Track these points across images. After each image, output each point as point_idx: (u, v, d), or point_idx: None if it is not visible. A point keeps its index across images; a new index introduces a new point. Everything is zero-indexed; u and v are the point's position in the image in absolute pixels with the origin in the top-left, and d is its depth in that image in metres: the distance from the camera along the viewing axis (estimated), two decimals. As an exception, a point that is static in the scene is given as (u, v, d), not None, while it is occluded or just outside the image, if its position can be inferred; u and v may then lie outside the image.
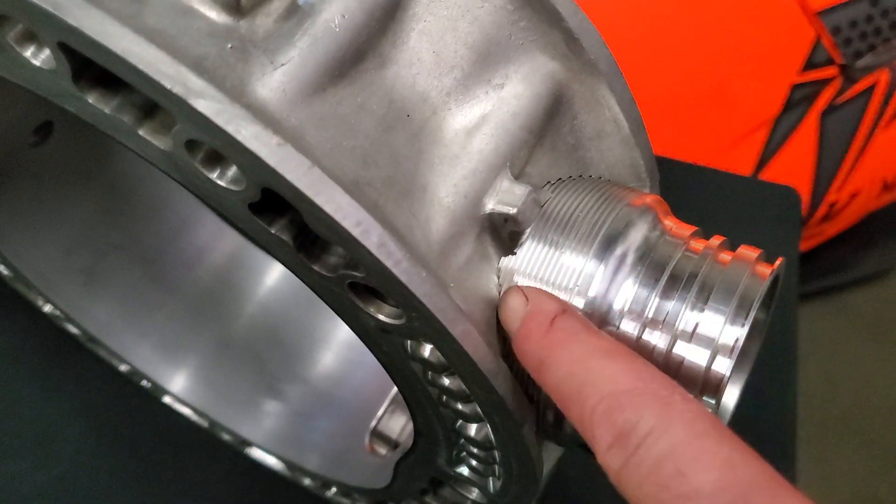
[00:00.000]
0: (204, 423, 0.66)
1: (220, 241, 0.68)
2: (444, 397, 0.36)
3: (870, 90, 1.31)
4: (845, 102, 1.30)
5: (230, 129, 0.26)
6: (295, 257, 0.31)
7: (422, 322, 0.30)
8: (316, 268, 0.31)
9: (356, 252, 0.28)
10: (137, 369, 0.64)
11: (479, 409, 0.35)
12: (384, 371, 0.66)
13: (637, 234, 0.34)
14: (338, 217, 0.27)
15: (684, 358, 0.33)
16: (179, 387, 0.65)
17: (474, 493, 0.44)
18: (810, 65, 1.24)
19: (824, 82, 1.26)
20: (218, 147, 0.27)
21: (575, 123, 0.36)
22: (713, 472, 0.26)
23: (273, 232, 0.30)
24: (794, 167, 1.28)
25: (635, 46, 1.09)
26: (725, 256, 0.35)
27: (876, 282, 1.63)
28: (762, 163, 1.25)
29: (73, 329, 0.64)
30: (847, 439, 1.45)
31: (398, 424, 0.61)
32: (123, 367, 0.65)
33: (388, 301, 0.32)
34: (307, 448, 0.62)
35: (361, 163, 0.30)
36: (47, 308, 0.63)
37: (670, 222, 0.36)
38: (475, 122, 0.33)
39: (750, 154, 1.24)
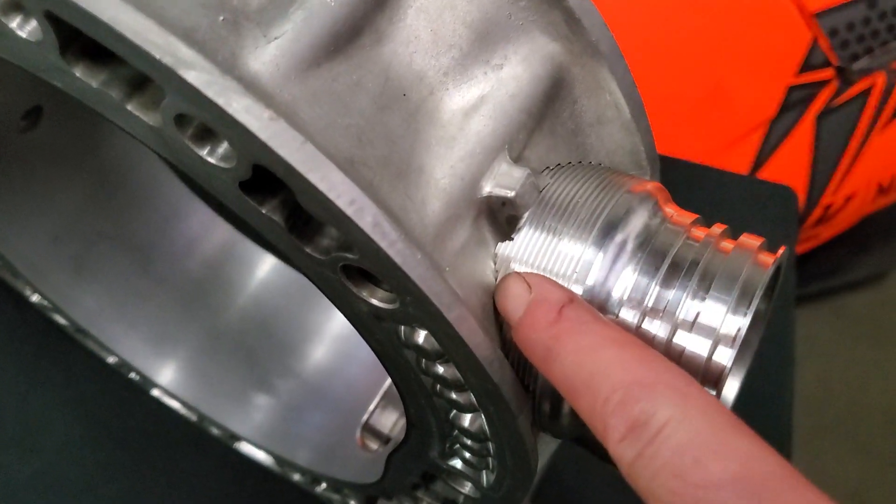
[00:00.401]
0: (193, 417, 0.65)
1: (211, 231, 0.67)
2: (438, 386, 0.35)
3: (866, 93, 1.31)
4: (841, 105, 1.30)
5: (221, 101, 0.25)
6: (287, 239, 0.30)
7: (416, 307, 0.30)
8: (308, 250, 0.30)
9: (350, 232, 0.27)
10: (126, 361, 0.63)
11: (473, 399, 0.34)
12: (376, 365, 0.64)
13: (637, 221, 0.34)
14: (331, 195, 0.26)
15: (685, 348, 0.32)
16: (168, 379, 0.64)
17: (467, 488, 0.43)
18: (807, 66, 1.24)
19: (821, 84, 1.26)
20: (208, 121, 0.27)
21: (575, 108, 0.35)
22: (733, 463, 0.25)
23: (264, 212, 0.29)
24: (789, 169, 1.27)
25: (631, 47, 1.08)
26: (727, 245, 0.34)
27: (872, 285, 1.62)
28: (758, 165, 1.24)
29: (60, 320, 0.63)
30: (841, 443, 1.45)
31: (390, 419, 0.60)
32: (111, 359, 0.65)
33: (382, 285, 0.31)
34: (297, 442, 0.61)
35: (356, 141, 0.29)
36: (35, 298, 0.62)
37: (671, 210, 0.35)
38: (473, 103, 0.32)
39: (745, 156, 1.23)
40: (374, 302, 0.31)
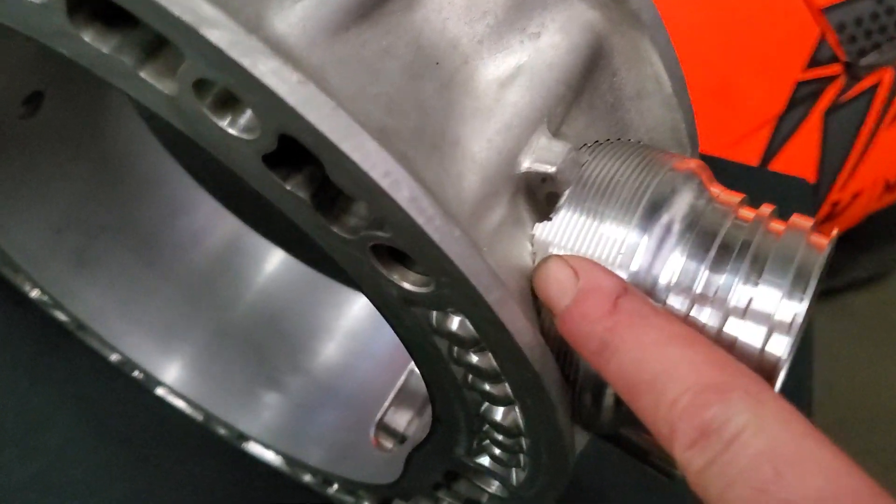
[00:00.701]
0: (199, 417, 0.63)
1: (217, 224, 0.65)
2: (470, 377, 0.33)
3: (873, 89, 1.30)
4: (849, 101, 1.28)
5: (246, 62, 0.23)
6: (312, 218, 0.28)
7: (452, 289, 0.27)
8: (335, 229, 0.28)
9: (383, 207, 0.25)
10: (129, 358, 0.61)
11: (508, 390, 0.32)
12: (389, 362, 0.63)
13: (683, 201, 0.31)
14: (365, 166, 0.24)
15: (737, 337, 0.30)
16: (173, 377, 0.62)
17: (494, 487, 0.41)
18: (815, 62, 1.22)
19: (828, 80, 1.25)
20: (231, 86, 0.24)
21: (614, 80, 0.33)
22: (818, 479, 0.23)
23: (288, 188, 0.27)
24: (797, 166, 1.26)
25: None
26: (777, 226, 0.32)
27: (876, 284, 1.61)
28: (765, 161, 1.23)
29: (61, 316, 0.61)
30: (845, 443, 1.42)
31: (405, 417, 0.58)
32: (114, 357, 0.62)
33: (414, 267, 0.29)
34: (309, 442, 0.59)
35: (387, 111, 0.27)
36: (34, 294, 0.60)
37: (716, 189, 0.33)
38: (509, 73, 0.30)
39: (753, 152, 1.22)
40: (406, 285, 0.29)
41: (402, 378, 0.59)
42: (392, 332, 0.63)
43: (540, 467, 0.36)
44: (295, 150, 0.26)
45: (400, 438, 0.57)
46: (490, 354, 0.31)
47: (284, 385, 0.62)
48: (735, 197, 0.33)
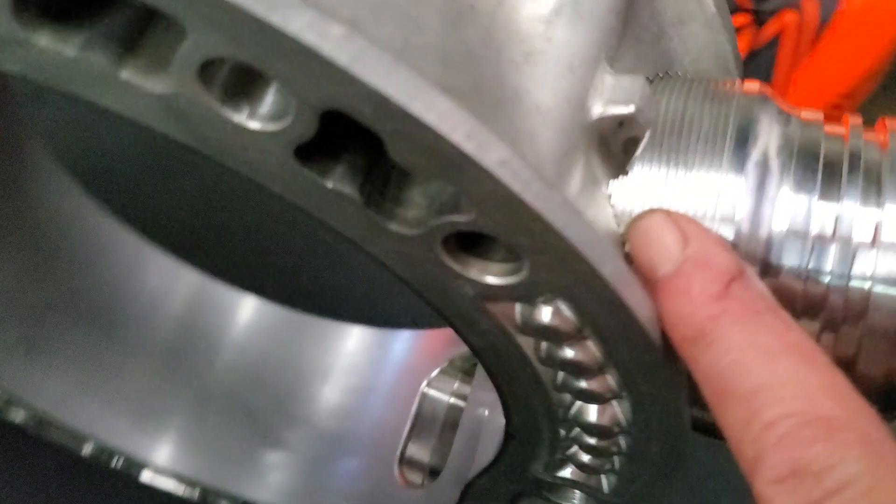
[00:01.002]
0: (194, 495, 0.56)
1: (175, 281, 0.58)
2: (561, 376, 0.27)
3: (781, 32, 1.30)
4: (762, 49, 1.28)
5: (275, 19, 0.18)
6: (362, 218, 0.23)
7: (552, 270, 0.22)
8: (393, 227, 0.23)
9: (465, 180, 0.20)
10: (106, 445, 0.54)
11: (611, 383, 0.27)
12: (394, 393, 0.57)
13: (771, 128, 0.27)
14: (443, 129, 0.19)
15: (871, 280, 0.26)
16: (159, 457, 0.55)
17: (576, 500, 0.36)
18: (725, 15, 1.22)
19: (739, 30, 1.24)
20: (253, 59, 0.19)
21: (655, 5, 0.29)
22: None
23: (330, 187, 0.22)
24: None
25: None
26: (875, 135, 0.28)
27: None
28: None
29: (17, 416, 0.54)
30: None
31: (427, 446, 0.52)
32: (87, 449, 0.55)
33: (494, 255, 0.24)
34: (328, 496, 0.53)
35: (441, 64, 0.21)
36: (-19, 397, 0.52)
37: (794, 108, 0.29)
38: (552, 8, 0.25)
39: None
40: (488, 279, 0.23)
41: (415, 405, 0.54)
42: (393, 359, 0.58)
43: (645, 465, 0.31)
44: (332, 133, 0.21)
45: (428, 470, 0.52)
46: (590, 343, 0.25)
47: (284, 440, 0.56)
48: (817, 112, 0.29)
